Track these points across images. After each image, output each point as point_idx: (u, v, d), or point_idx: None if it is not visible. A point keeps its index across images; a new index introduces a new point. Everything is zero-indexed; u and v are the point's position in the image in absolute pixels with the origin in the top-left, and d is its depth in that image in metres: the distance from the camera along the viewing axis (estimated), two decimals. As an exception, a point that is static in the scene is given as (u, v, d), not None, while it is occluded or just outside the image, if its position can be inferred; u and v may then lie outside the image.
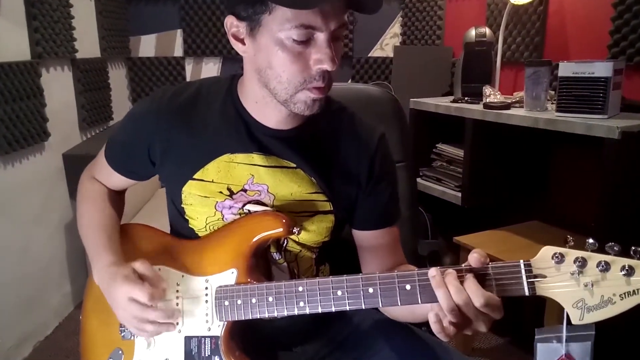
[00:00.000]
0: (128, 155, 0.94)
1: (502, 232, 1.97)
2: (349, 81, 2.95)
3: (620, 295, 0.65)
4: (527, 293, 0.68)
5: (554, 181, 2.15)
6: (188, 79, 3.06)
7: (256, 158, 0.87)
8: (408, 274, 0.73)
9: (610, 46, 1.89)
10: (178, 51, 3.03)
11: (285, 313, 0.80)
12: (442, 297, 0.68)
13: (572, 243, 0.68)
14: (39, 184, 2.06)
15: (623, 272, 0.64)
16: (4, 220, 1.85)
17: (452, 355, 0.88)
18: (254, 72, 0.82)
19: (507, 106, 1.90)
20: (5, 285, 1.86)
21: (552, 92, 1.89)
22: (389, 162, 0.93)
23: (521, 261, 0.69)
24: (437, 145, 2.29)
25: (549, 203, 2.15)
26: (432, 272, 0.71)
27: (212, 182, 0.87)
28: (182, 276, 0.88)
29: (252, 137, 0.87)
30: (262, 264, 0.90)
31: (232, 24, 0.80)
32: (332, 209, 0.90)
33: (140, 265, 0.84)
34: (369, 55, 2.96)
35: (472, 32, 2.17)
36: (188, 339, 0.86)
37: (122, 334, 0.90)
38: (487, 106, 1.94)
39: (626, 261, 0.65)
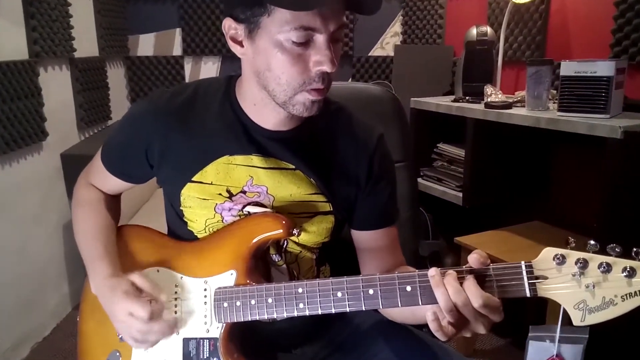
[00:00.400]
0: (125, 158, 0.93)
1: (503, 233, 1.96)
2: (350, 80, 2.94)
3: (621, 297, 0.65)
4: (528, 294, 0.68)
5: (556, 181, 2.15)
6: (187, 78, 3.05)
7: (255, 160, 0.86)
8: (408, 275, 0.73)
9: (613, 45, 1.88)
10: (177, 50, 3.02)
11: (285, 315, 0.80)
12: (441, 297, 0.68)
13: (574, 244, 0.68)
14: (36, 184, 2.06)
15: (624, 274, 0.64)
16: (1, 221, 1.85)
17: (453, 357, 0.88)
18: (252, 74, 0.81)
19: (509, 106, 1.90)
20: (3, 285, 1.85)
21: (554, 92, 1.88)
22: (388, 162, 0.93)
23: (522, 262, 0.69)
24: (437, 145, 2.28)
25: (551, 203, 2.14)
26: (432, 272, 0.71)
27: (211, 184, 0.87)
28: (181, 277, 0.88)
29: (250, 139, 0.87)
30: (261, 265, 0.90)
31: (230, 27, 0.80)
32: (331, 209, 0.90)
33: (138, 279, 0.84)
34: (370, 54, 2.95)
35: (473, 31, 2.16)
36: (186, 341, 0.86)
37: (120, 336, 0.90)
38: (489, 105, 1.93)
39: (628, 262, 0.65)
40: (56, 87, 2.21)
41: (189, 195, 0.88)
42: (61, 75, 2.26)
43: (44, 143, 2.10)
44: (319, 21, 0.72)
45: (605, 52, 1.90)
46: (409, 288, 0.73)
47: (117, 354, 0.90)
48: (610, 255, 0.66)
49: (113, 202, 1.02)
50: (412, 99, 2.29)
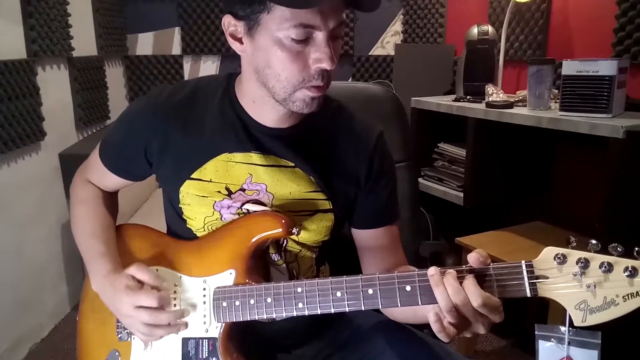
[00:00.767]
0: (124, 155, 0.93)
1: (505, 233, 1.95)
2: (350, 80, 2.94)
3: (623, 297, 0.64)
4: (528, 294, 0.67)
5: (557, 181, 2.14)
6: (186, 77, 3.05)
7: (254, 157, 0.86)
8: (408, 274, 0.73)
9: (615, 44, 1.87)
10: (176, 49, 3.02)
11: (284, 314, 0.80)
12: (440, 297, 0.68)
13: (575, 244, 0.67)
14: (34, 184, 2.05)
15: (626, 273, 0.64)
16: (-1, 221, 1.84)
17: (454, 358, 0.88)
18: (252, 72, 0.81)
19: (510, 105, 1.89)
20: (1, 286, 1.85)
21: (556, 91, 1.88)
22: (388, 161, 0.93)
23: (523, 262, 0.68)
24: (438, 144, 2.27)
25: (552, 203, 2.14)
26: (431, 271, 0.70)
27: (210, 181, 0.87)
28: (180, 277, 0.87)
29: (250, 136, 0.86)
30: (261, 265, 0.90)
31: (229, 23, 0.80)
32: (331, 207, 0.89)
33: (136, 271, 0.84)
34: (370, 53, 2.95)
35: (475, 30, 2.15)
36: (185, 341, 0.85)
37: (119, 336, 0.90)
38: (490, 105, 1.93)
39: (629, 262, 0.64)
40: (54, 86, 2.20)
41: (188, 192, 0.88)
42: (59, 75, 2.26)
43: (42, 143, 2.09)
44: (319, 18, 0.72)
45: (607, 51, 1.90)
46: (408, 288, 0.72)
47: (117, 353, 0.90)
48: (612, 254, 0.65)
49: (111, 199, 1.01)
50: (412, 98, 2.29)
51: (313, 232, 0.90)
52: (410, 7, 2.82)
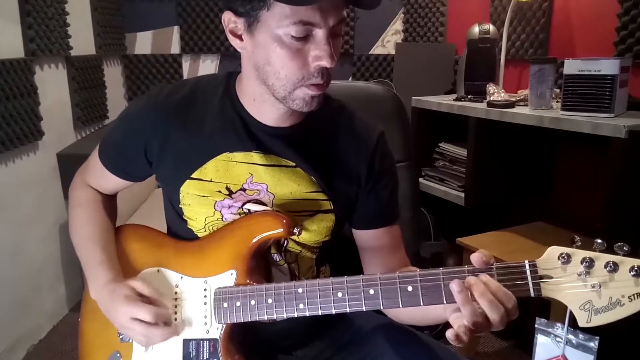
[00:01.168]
0: (124, 155, 0.93)
1: (506, 233, 1.94)
2: (350, 79, 2.94)
3: (629, 297, 0.63)
4: (532, 294, 0.67)
5: (559, 181, 2.14)
6: (185, 76, 3.04)
7: (255, 157, 0.86)
8: (410, 274, 0.73)
9: (617, 43, 1.86)
10: (175, 48, 3.01)
11: (285, 315, 0.80)
12: (468, 313, 0.67)
13: (580, 243, 0.67)
14: (32, 183, 2.04)
15: (632, 273, 0.63)
16: (-4, 221, 1.84)
17: (456, 359, 0.87)
18: (252, 69, 0.81)
19: (511, 104, 1.89)
20: (-2, 287, 1.84)
21: (558, 90, 1.86)
22: (389, 161, 0.93)
23: (526, 261, 0.68)
24: (439, 144, 2.26)
25: (554, 203, 2.13)
26: (456, 286, 0.68)
27: (211, 181, 0.87)
28: (181, 278, 0.87)
29: (250, 136, 0.86)
30: (262, 265, 0.90)
31: (229, 20, 0.79)
32: (332, 207, 0.89)
33: (139, 285, 0.85)
34: (370, 52, 2.94)
35: (476, 29, 2.14)
36: (186, 342, 0.85)
37: (120, 337, 0.90)
38: (491, 104, 1.92)
39: (635, 261, 0.63)
40: (52, 85, 2.19)
41: (188, 192, 0.88)
42: (57, 74, 2.25)
43: (40, 142, 2.09)
44: (319, 16, 0.72)
45: (610, 50, 1.89)
46: (410, 288, 0.72)
47: (118, 354, 0.90)
48: (617, 254, 0.64)
49: (110, 203, 1.01)
50: (413, 97, 2.28)
51: (313, 232, 0.89)
52: (411, 6, 2.81)
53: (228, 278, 0.84)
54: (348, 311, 0.76)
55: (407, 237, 1.15)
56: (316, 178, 0.87)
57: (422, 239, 1.30)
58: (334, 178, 0.89)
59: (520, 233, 1.93)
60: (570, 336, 0.69)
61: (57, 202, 2.19)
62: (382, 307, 0.75)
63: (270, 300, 0.80)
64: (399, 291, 0.72)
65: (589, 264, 0.64)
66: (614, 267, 0.64)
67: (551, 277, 0.66)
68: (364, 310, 0.75)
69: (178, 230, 0.93)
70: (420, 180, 2.23)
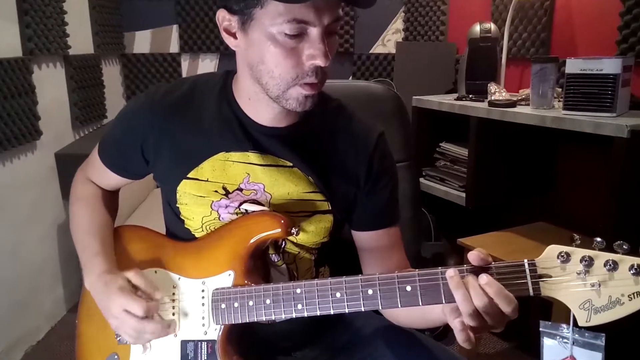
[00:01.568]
0: (122, 153, 0.93)
1: (508, 234, 1.93)
2: (350, 78, 2.93)
3: (629, 296, 0.63)
4: (531, 293, 0.66)
5: (561, 181, 2.13)
6: (184, 75, 3.03)
7: (252, 156, 0.86)
8: (408, 274, 0.72)
9: (619, 42, 1.85)
10: (174, 47, 2.99)
11: (283, 316, 0.79)
12: (462, 299, 0.66)
13: (579, 242, 0.66)
14: (30, 184, 2.04)
15: (632, 272, 0.62)
16: (-6, 222, 1.83)
17: None
18: (246, 67, 0.81)
19: (513, 104, 1.88)
20: (-4, 288, 1.84)
21: (559, 90, 1.86)
22: (388, 161, 0.92)
23: (525, 260, 0.67)
24: (440, 144, 2.26)
25: (556, 204, 2.12)
26: (450, 272, 0.69)
27: (207, 181, 0.87)
28: (179, 279, 0.87)
29: (247, 135, 0.86)
30: (260, 265, 0.89)
31: (224, 18, 0.79)
32: (330, 208, 0.89)
33: (134, 276, 0.84)
34: (371, 51, 2.93)
35: (477, 28, 2.14)
36: (184, 343, 0.85)
37: (118, 339, 0.90)
38: (492, 104, 1.91)
39: (635, 260, 0.63)
40: (50, 85, 2.19)
41: (185, 192, 0.88)
42: (55, 73, 2.24)
43: (38, 142, 2.08)
44: (312, 14, 0.71)
45: (612, 49, 1.88)
46: (409, 288, 0.71)
47: (116, 356, 0.89)
48: (617, 252, 0.64)
49: (111, 198, 1.02)
50: (414, 97, 2.27)
51: (311, 233, 0.89)
52: (412, 5, 2.80)
53: (226, 279, 0.84)
54: (347, 311, 0.75)
55: (408, 237, 1.15)
56: (314, 178, 0.87)
57: (422, 239, 1.30)
58: (332, 179, 0.88)
59: (522, 233, 1.92)
60: (577, 336, 0.68)
61: (55, 202, 2.18)
62: (380, 308, 0.74)
63: (268, 301, 0.79)
64: (398, 291, 0.72)
65: (589, 262, 0.64)
66: (613, 266, 0.63)
67: (550, 276, 0.66)
68: (363, 310, 0.74)
69: (176, 230, 0.93)
70: (421, 180, 2.22)
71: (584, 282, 0.65)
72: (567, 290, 0.66)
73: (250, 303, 0.80)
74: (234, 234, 0.85)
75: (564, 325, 0.69)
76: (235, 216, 0.87)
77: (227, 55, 2.98)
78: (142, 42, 2.98)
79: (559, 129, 1.66)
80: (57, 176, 2.19)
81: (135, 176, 0.97)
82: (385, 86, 1.23)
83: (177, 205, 0.89)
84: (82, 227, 0.94)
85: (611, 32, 1.87)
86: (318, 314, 0.77)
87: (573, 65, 1.61)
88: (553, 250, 0.66)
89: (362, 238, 0.92)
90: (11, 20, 1.92)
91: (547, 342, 0.70)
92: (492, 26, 2.13)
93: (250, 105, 0.85)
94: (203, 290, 0.85)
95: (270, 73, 0.76)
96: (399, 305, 0.72)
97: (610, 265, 0.63)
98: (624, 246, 0.64)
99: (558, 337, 0.70)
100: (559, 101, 1.80)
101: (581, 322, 0.65)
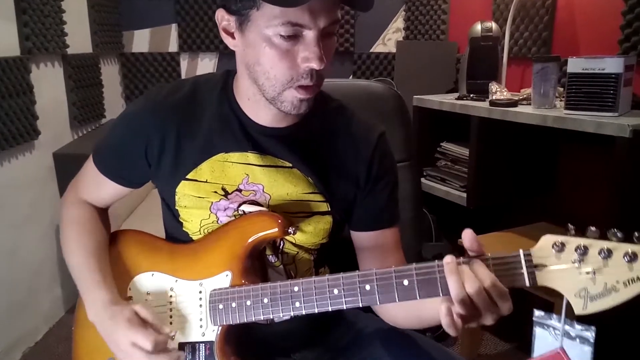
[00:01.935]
0: (122, 158, 0.92)
1: (509, 234, 1.93)
2: (350, 77, 2.92)
3: (624, 283, 0.64)
4: (527, 283, 0.67)
5: (563, 181, 2.13)
6: (183, 75, 3.02)
7: (251, 157, 0.86)
8: (405, 268, 0.72)
9: (621, 41, 1.84)
10: (173, 46, 2.98)
11: (281, 314, 0.79)
12: (454, 285, 0.67)
13: (573, 231, 0.67)
14: (28, 183, 2.03)
15: (626, 259, 0.63)
16: (-8, 222, 1.83)
17: None
18: (244, 67, 0.81)
19: (514, 103, 1.88)
20: (-6, 289, 1.83)
21: (561, 89, 1.86)
22: (389, 161, 0.92)
23: (520, 251, 0.68)
24: (441, 143, 2.25)
25: (558, 204, 2.11)
26: (447, 259, 0.69)
27: (206, 182, 0.86)
28: (176, 281, 0.87)
29: (247, 136, 0.86)
30: (258, 266, 0.89)
31: (222, 17, 0.80)
32: (329, 209, 0.89)
33: (141, 309, 0.83)
34: (371, 50, 2.93)
35: (478, 27, 2.13)
36: (182, 346, 0.85)
37: None
38: (493, 103, 1.91)
39: (629, 247, 0.64)
40: (48, 84, 2.18)
41: (184, 193, 0.87)
42: (54, 72, 2.23)
43: (36, 142, 2.07)
44: (308, 17, 0.72)
45: (614, 48, 1.87)
46: (406, 282, 0.72)
47: None
48: (611, 240, 0.65)
49: (103, 217, 0.99)
50: (414, 96, 2.27)
51: (310, 234, 0.89)
52: (412, 4, 2.80)
53: (223, 279, 0.84)
54: (344, 307, 0.75)
55: (409, 237, 1.15)
56: (313, 179, 0.87)
57: (423, 239, 1.30)
58: (332, 179, 0.88)
59: (523, 234, 1.91)
60: (568, 327, 0.69)
61: (53, 203, 2.17)
62: (378, 303, 0.74)
63: (266, 300, 0.79)
64: (395, 285, 0.72)
65: (583, 251, 0.65)
66: (607, 254, 0.64)
67: (546, 266, 0.66)
68: (361, 306, 0.75)
69: (175, 233, 0.93)
70: (422, 180, 2.21)
71: (579, 270, 0.65)
72: (563, 279, 0.66)
73: (248, 303, 0.80)
74: (231, 234, 0.85)
75: (556, 316, 0.70)
76: (233, 219, 0.87)
77: (227, 55, 2.97)
78: (141, 41, 2.97)
79: (561, 129, 1.65)
80: (55, 176, 2.19)
81: (133, 184, 0.95)
82: (385, 85, 1.23)
83: (176, 207, 0.89)
84: (79, 255, 0.91)
85: (613, 31, 1.87)
86: (316, 312, 0.77)
87: (575, 65, 1.61)
88: (548, 240, 0.67)
89: (361, 238, 0.92)
90: (9, 19, 1.92)
91: (539, 332, 0.71)
92: (493, 25, 2.13)
93: (249, 106, 0.85)
94: (200, 292, 0.85)
95: (266, 74, 0.77)
96: (397, 300, 0.72)
97: (604, 253, 0.64)
98: (617, 234, 0.65)
99: (550, 328, 0.71)
100: (561, 101, 1.79)
101: (577, 311, 0.65)
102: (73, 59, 2.33)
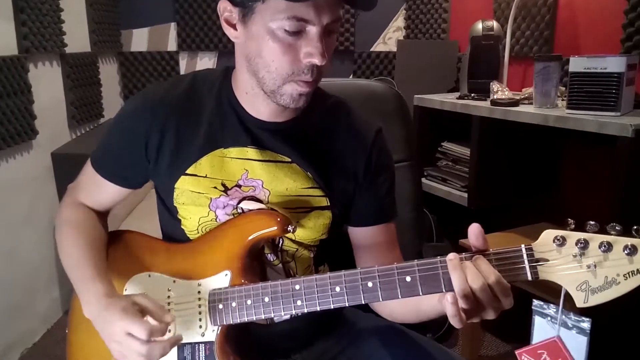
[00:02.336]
0: (121, 158, 0.91)
1: (511, 234, 1.92)
2: (351, 76, 2.92)
3: (624, 275, 0.65)
4: (529, 278, 0.68)
5: (565, 181, 2.13)
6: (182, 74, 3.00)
7: (250, 152, 0.86)
8: (407, 265, 0.73)
9: (624, 40, 1.84)
10: (172, 45, 2.98)
11: (282, 313, 0.79)
12: (458, 281, 0.68)
13: (573, 225, 0.68)
14: (26, 183, 2.02)
15: (626, 252, 0.65)
16: (-11, 222, 1.82)
17: None
18: (244, 60, 0.82)
19: (516, 103, 1.88)
20: (-9, 289, 1.82)
21: (563, 88, 1.86)
22: (386, 157, 0.93)
23: (522, 246, 0.69)
24: (442, 143, 2.25)
25: (559, 204, 2.11)
26: (450, 255, 0.70)
27: (206, 177, 0.86)
28: (174, 281, 0.86)
29: (246, 131, 0.87)
30: (257, 265, 0.89)
31: (225, 8, 0.80)
32: (328, 204, 0.89)
33: (141, 299, 0.81)
34: (372, 49, 2.92)
35: (479, 26, 2.13)
36: (181, 347, 0.84)
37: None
38: (495, 103, 1.91)
39: (628, 240, 0.65)
40: (46, 83, 2.17)
41: (184, 188, 0.87)
42: (52, 72, 2.23)
43: (34, 142, 2.06)
44: (312, 13, 0.73)
45: (616, 47, 1.87)
46: (408, 279, 0.72)
47: None
48: (610, 234, 0.66)
49: (101, 220, 0.98)
50: (415, 96, 2.27)
51: (310, 229, 0.89)
52: (413, 2, 2.79)
53: (222, 279, 0.83)
54: (347, 305, 0.75)
55: (409, 237, 1.15)
56: (312, 174, 0.87)
57: (424, 239, 1.30)
58: (331, 174, 0.88)
59: (525, 234, 1.90)
60: (564, 317, 0.71)
61: (52, 203, 2.17)
62: (381, 299, 0.75)
63: (267, 299, 0.79)
64: (398, 282, 0.72)
65: (584, 245, 0.66)
66: (608, 247, 0.65)
67: (547, 260, 0.68)
68: (363, 303, 0.75)
69: (172, 232, 0.92)
70: (423, 180, 2.21)
71: (580, 264, 0.67)
72: (564, 272, 0.67)
73: (249, 302, 0.80)
74: (230, 233, 0.85)
75: (554, 306, 0.72)
76: (232, 217, 0.87)
77: (226, 54, 2.95)
78: (139, 40, 2.96)
79: (563, 128, 1.65)
80: (53, 176, 2.17)
81: (133, 184, 0.94)
82: (386, 85, 1.23)
83: (175, 204, 0.88)
84: (73, 254, 0.89)
85: (615, 30, 1.86)
86: (318, 310, 0.76)
87: (577, 64, 1.61)
88: (549, 234, 0.68)
89: (358, 234, 0.93)
90: (7, 18, 1.91)
91: (537, 321, 0.73)
92: (494, 24, 2.13)
93: (248, 100, 0.86)
94: (199, 292, 0.84)
95: (267, 67, 0.77)
96: (400, 296, 0.72)
97: (605, 246, 0.65)
98: (616, 228, 0.66)
99: (548, 317, 0.72)
100: (563, 100, 1.79)
101: (579, 304, 0.67)
102: (71, 58, 2.32)
